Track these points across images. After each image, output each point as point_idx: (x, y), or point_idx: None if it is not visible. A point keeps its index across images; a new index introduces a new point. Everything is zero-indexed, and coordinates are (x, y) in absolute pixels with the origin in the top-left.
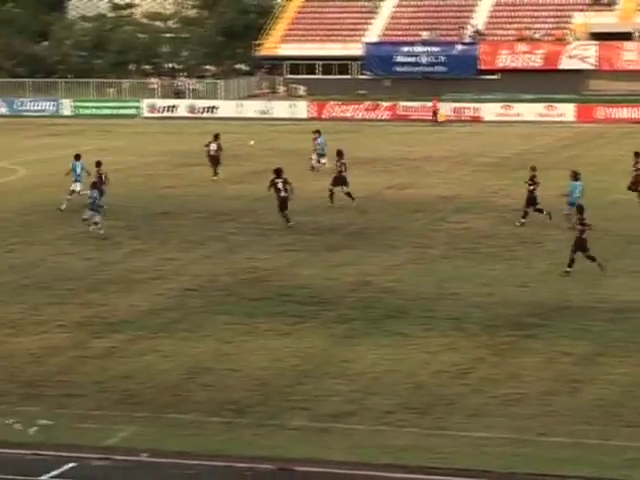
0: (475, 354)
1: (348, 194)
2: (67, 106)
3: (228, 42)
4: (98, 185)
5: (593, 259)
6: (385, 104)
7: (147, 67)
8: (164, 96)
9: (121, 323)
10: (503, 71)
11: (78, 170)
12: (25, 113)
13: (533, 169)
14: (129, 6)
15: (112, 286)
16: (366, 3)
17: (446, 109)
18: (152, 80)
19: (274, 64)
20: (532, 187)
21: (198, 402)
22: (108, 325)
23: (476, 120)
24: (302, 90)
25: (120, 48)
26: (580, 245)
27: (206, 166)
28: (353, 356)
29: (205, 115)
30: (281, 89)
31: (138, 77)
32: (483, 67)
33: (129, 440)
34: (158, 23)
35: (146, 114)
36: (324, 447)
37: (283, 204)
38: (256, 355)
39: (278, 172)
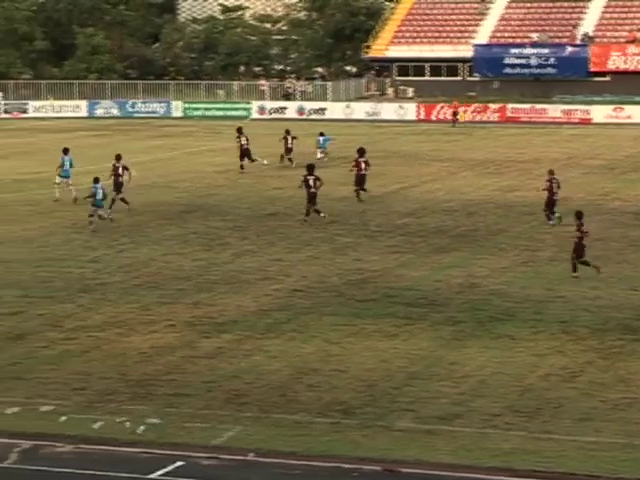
0: (584, 357)
1: (357, 192)
2: (177, 107)
3: (337, 44)
4: (115, 178)
5: (587, 264)
6: (494, 106)
7: (257, 69)
8: (273, 98)
9: (229, 323)
10: (614, 73)
11: (66, 165)
12: (136, 114)
13: None
14: (239, 8)
15: (221, 286)
16: (476, 5)
17: (556, 111)
18: (261, 82)
19: (383, 66)
20: None
21: (305, 402)
22: (217, 325)
23: (586, 122)
24: (411, 92)
25: (230, 50)
26: (578, 251)
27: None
28: (460, 358)
29: (313, 117)
30: (390, 91)
31: (248, 79)
32: (593, 69)
33: (236, 439)
34: (268, 25)
35: (255, 116)
36: (430, 449)
37: (312, 199)
38: (363, 356)
39: (310, 169)
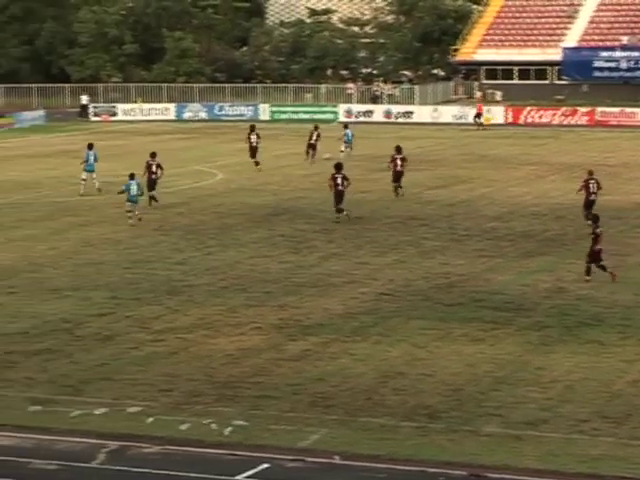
0: None
1: (396, 188)
2: (265, 111)
3: (425, 47)
4: (148, 175)
5: (604, 269)
6: (583, 110)
7: (344, 72)
8: (360, 101)
9: (316, 326)
10: None
11: (91, 159)
12: (224, 117)
13: None
14: (327, 12)
15: (307, 289)
16: (565, 7)
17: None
18: (349, 85)
19: (471, 69)
20: None
21: (390, 406)
22: (303, 328)
23: None
24: (499, 95)
25: (317, 53)
26: (593, 256)
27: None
28: (548, 363)
29: (401, 120)
30: (477, 94)
31: (335, 82)
32: None
33: (322, 442)
34: (355, 29)
35: (342, 119)
36: (517, 454)
37: (339, 197)
38: (449, 360)
39: (338, 167)
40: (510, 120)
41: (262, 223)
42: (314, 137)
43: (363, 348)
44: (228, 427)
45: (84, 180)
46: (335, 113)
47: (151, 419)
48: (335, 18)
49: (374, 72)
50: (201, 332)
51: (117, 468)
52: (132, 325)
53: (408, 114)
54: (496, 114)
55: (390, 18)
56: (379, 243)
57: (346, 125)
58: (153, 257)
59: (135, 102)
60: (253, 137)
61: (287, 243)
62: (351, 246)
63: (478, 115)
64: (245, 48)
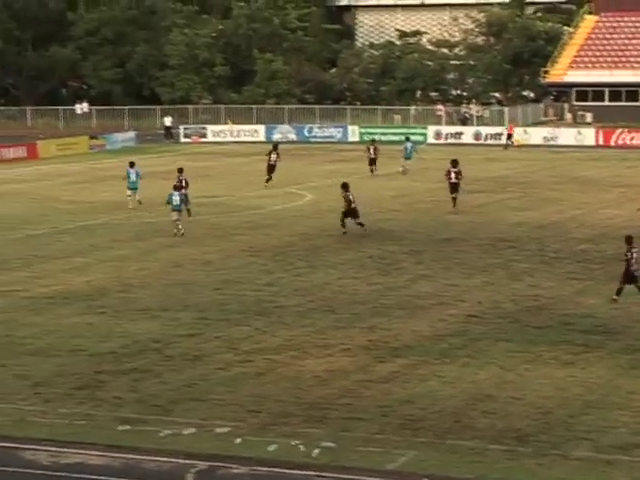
0: None
1: (453, 200)
2: (354, 132)
3: (515, 69)
4: (179, 188)
5: None
6: None
7: (433, 94)
8: (450, 123)
9: (404, 348)
10: None
11: (132, 177)
12: (313, 139)
13: None
14: (416, 34)
15: (396, 311)
16: None
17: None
18: (438, 107)
19: (561, 91)
20: None
21: (479, 429)
22: (391, 350)
23: None
24: (589, 117)
25: (407, 75)
26: (628, 277)
27: (486, 193)
28: (639, 387)
29: (490, 142)
30: (568, 116)
31: (424, 104)
32: None
33: (410, 464)
34: (445, 50)
35: (432, 140)
36: (608, 479)
37: (353, 212)
38: (539, 384)
39: (345, 187)
40: (601, 142)
41: (351, 244)
42: (371, 152)
43: (451, 370)
44: (316, 448)
45: (129, 196)
46: (424, 135)
47: (239, 440)
48: (425, 40)
49: (463, 94)
50: (289, 353)
51: None
52: (221, 346)
53: (498, 136)
54: (587, 136)
55: (480, 40)
56: (468, 265)
57: (407, 138)
58: (242, 278)
59: (225, 124)
60: (273, 156)
61: (376, 265)
62: (440, 268)
63: (509, 136)
64: (335, 70)
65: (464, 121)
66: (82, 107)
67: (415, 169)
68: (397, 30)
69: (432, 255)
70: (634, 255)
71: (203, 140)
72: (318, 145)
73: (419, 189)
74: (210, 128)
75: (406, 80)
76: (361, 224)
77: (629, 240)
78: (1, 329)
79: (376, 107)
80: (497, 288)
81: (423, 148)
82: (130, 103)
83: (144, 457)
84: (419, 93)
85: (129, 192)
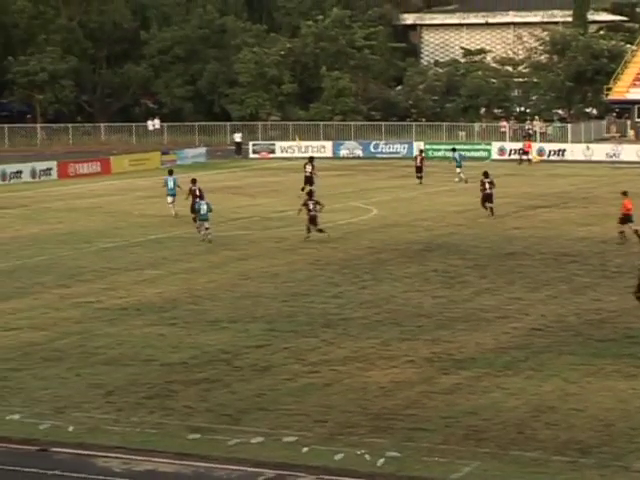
0: None
1: (486, 208)
2: (419, 148)
3: (578, 86)
4: (192, 200)
5: None
6: None
7: (497, 111)
8: (513, 139)
9: (468, 360)
10: None
11: (170, 184)
12: (379, 155)
13: None
14: (481, 52)
15: (460, 324)
16: None
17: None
18: (502, 124)
19: (624, 108)
20: None
21: (542, 440)
22: (455, 362)
23: None
24: None
25: (471, 92)
26: None
27: (549, 208)
28: None
29: (553, 158)
30: (630, 133)
31: (488, 120)
32: None
33: (474, 475)
34: (509, 68)
35: (495, 157)
36: None
37: (312, 220)
38: (601, 396)
39: (310, 194)
40: None
41: (415, 258)
42: (418, 161)
43: (515, 382)
44: (381, 458)
45: (170, 203)
46: (488, 151)
47: (306, 449)
48: (489, 58)
49: (527, 111)
50: (355, 365)
51: None
52: (288, 357)
53: (561, 152)
54: None
55: (543, 58)
56: (531, 279)
57: (454, 149)
58: (309, 290)
59: (293, 140)
60: (308, 167)
61: (440, 278)
62: (503, 282)
63: (525, 152)
64: (400, 87)
65: (528, 137)
66: (154, 123)
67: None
68: (462, 48)
69: (495, 269)
70: None
71: (271, 156)
72: (384, 161)
73: (472, 197)
74: (278, 144)
75: (470, 97)
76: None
77: None
78: (76, 339)
79: (441, 124)
80: (560, 302)
81: (487, 164)
82: (201, 120)
83: (214, 465)
84: (483, 110)
85: (169, 199)
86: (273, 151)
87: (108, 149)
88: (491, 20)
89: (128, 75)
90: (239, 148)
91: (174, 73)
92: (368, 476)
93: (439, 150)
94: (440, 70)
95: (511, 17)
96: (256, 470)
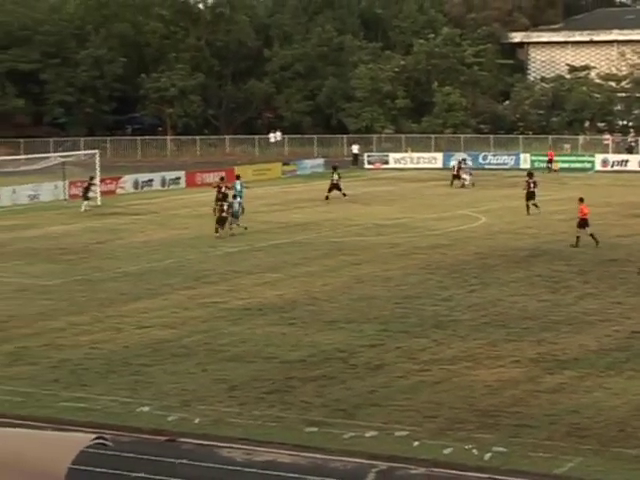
0: None
1: (535, 204)
2: (526, 160)
3: None
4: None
5: None
6: None
7: (601, 124)
8: (616, 151)
9: (571, 361)
10: None
11: (238, 187)
12: (487, 166)
13: None
14: (585, 68)
15: (563, 326)
16: None
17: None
18: (605, 136)
19: None
20: None
21: None
22: (559, 362)
23: None
24: None
25: (576, 107)
26: None
27: None
28: None
29: None
30: None
31: (592, 133)
32: None
33: (576, 470)
34: (612, 83)
35: (599, 168)
36: None
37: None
38: None
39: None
40: None
41: (521, 264)
42: (455, 170)
43: (617, 382)
44: (488, 453)
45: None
46: (592, 162)
47: (417, 443)
48: (593, 74)
49: (629, 124)
50: (464, 364)
51: None
52: (400, 356)
53: None
54: None
55: None
56: (633, 284)
57: (464, 159)
58: (421, 294)
59: (405, 151)
60: (335, 176)
61: (545, 283)
62: (606, 287)
63: (549, 161)
64: (508, 102)
65: (630, 150)
66: (275, 136)
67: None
68: (567, 65)
69: (598, 274)
70: None
71: (385, 166)
72: (492, 171)
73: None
74: (392, 155)
75: (575, 111)
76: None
77: None
78: (202, 337)
79: (547, 136)
80: None
81: (590, 175)
82: (319, 132)
83: (329, 457)
84: (587, 123)
85: (236, 203)
86: (387, 162)
87: (232, 160)
88: (595, 38)
89: (251, 91)
90: (356, 159)
91: (294, 89)
92: (476, 469)
93: (544, 161)
94: (546, 85)
95: (615, 35)
96: (369, 462)
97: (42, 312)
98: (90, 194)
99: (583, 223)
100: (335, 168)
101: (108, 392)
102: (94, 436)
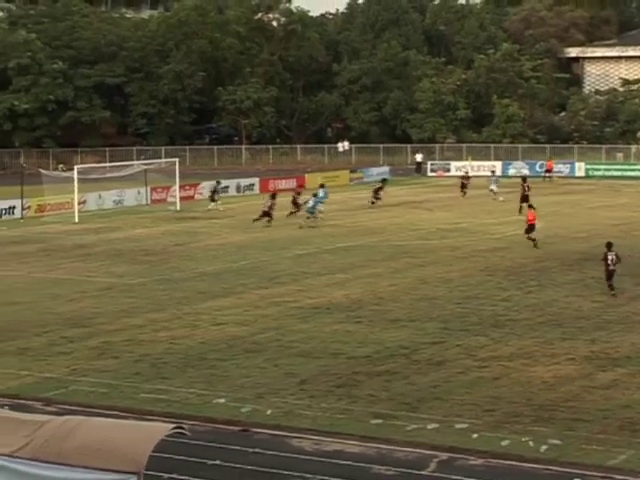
0: None
1: (530, 206)
2: (580, 168)
3: None
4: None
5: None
6: None
7: None
8: None
9: (623, 359)
10: None
11: (321, 194)
12: (544, 174)
13: None
14: (638, 82)
15: (616, 325)
16: None
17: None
18: None
19: None
20: None
21: None
22: (612, 360)
23: None
24: None
25: (628, 118)
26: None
27: None
28: None
29: None
30: None
31: None
32: None
33: (629, 462)
34: None
35: None
36: None
37: (610, 275)
38: None
39: (609, 246)
40: None
41: (575, 267)
42: (376, 188)
43: None
44: (544, 445)
45: (320, 212)
46: None
47: (476, 435)
48: None
49: None
50: (521, 361)
51: (446, 476)
52: (460, 353)
53: None
54: None
55: None
56: None
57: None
58: (480, 294)
59: (465, 160)
60: (381, 193)
61: (598, 285)
62: None
63: (548, 171)
64: (564, 113)
65: None
66: (344, 145)
67: (635, 201)
68: (621, 78)
69: None
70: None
71: (447, 174)
72: (548, 179)
73: (635, 219)
74: (453, 164)
75: (628, 122)
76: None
77: (609, 246)
78: (274, 334)
79: (600, 146)
80: None
81: None
82: (384, 142)
83: (394, 447)
84: (639, 134)
85: (321, 207)
86: (448, 170)
87: (303, 167)
88: None
89: (322, 102)
90: (419, 167)
91: (362, 101)
92: (532, 461)
93: (599, 170)
94: (600, 98)
95: None
96: (431, 453)
97: (125, 309)
98: (216, 196)
99: (530, 228)
100: (384, 181)
101: (186, 385)
102: (173, 425)
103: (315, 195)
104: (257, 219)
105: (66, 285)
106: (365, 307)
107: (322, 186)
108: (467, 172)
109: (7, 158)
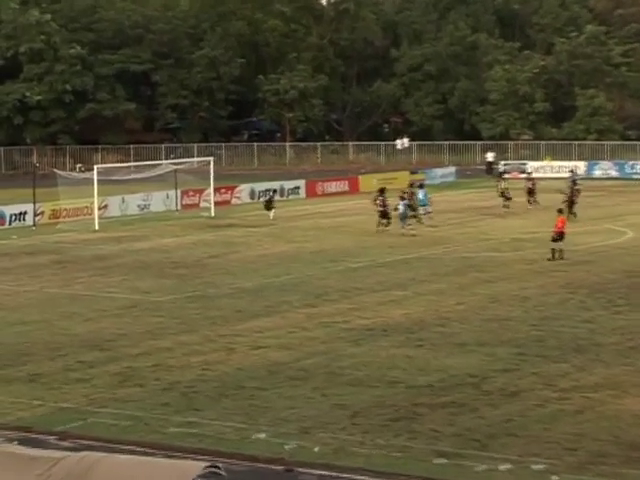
0: None
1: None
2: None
3: None
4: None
5: None
6: None
7: None
8: None
9: None
10: None
11: (420, 196)
12: (636, 176)
13: None
14: None
15: None
16: None
17: None
18: None
19: None
20: None
21: None
22: None
23: None
24: None
25: None
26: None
27: None
28: None
29: None
30: None
31: None
32: None
33: None
34: None
35: None
36: None
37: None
38: None
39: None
40: None
41: None
42: (531, 184)
43: None
44: None
45: (422, 214)
46: None
47: (556, 477)
48: None
49: None
50: (607, 392)
51: None
52: (537, 382)
53: None
54: None
55: None
56: None
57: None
58: (560, 315)
59: (543, 159)
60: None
61: None
62: None
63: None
64: None
65: None
66: (402, 142)
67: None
68: None
69: None
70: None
71: (522, 176)
72: (638, 182)
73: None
74: (530, 164)
75: None
76: None
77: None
78: (322, 359)
79: None
80: None
81: None
82: (450, 138)
83: None
84: None
85: (421, 210)
86: (524, 171)
87: (356, 168)
88: None
89: (378, 93)
90: (490, 167)
91: (424, 91)
92: None
93: None
94: None
95: None
96: None
97: (151, 330)
98: (272, 205)
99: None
100: (417, 184)
101: (221, 417)
102: (206, 464)
103: (402, 199)
104: (382, 224)
105: (84, 302)
106: (427, 328)
107: (421, 187)
108: (530, 173)
109: (18, 157)
